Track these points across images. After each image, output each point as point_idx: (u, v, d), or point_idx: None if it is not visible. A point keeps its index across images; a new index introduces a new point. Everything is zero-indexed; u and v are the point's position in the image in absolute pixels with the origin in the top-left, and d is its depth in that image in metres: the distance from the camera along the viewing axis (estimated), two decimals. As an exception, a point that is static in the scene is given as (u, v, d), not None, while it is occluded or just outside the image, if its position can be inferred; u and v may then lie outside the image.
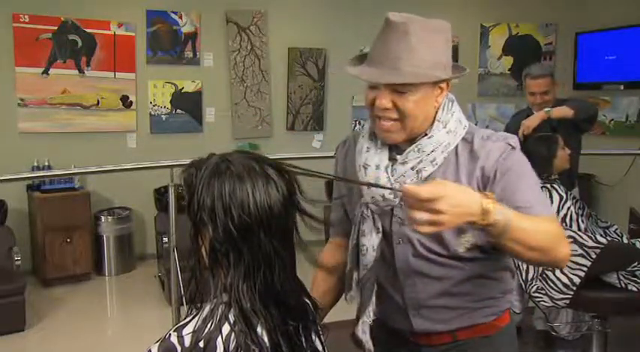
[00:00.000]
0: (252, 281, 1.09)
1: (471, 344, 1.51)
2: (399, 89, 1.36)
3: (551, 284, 2.74)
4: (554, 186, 2.91)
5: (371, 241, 1.48)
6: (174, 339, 1.07)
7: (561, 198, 2.87)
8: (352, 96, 6.11)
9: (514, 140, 1.44)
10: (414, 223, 1.15)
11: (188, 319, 1.10)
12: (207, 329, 1.06)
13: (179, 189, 3.32)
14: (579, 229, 2.82)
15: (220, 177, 1.10)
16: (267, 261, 1.10)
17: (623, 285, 2.69)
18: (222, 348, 1.05)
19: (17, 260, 4.33)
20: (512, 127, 3.38)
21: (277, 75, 6.02)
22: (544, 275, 2.76)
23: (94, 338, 4.05)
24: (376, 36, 1.40)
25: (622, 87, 5.78)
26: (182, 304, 3.38)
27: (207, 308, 1.10)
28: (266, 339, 1.08)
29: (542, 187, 2.90)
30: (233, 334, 1.06)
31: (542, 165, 2.95)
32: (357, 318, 1.54)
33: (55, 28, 5.23)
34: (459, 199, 1.16)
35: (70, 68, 5.30)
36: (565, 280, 2.70)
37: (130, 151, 5.49)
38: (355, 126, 6.16)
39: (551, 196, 2.87)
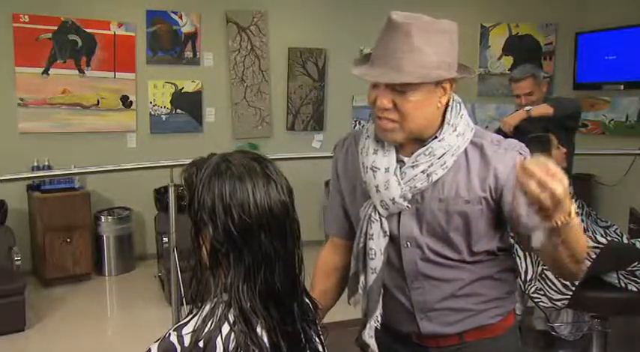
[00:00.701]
0: (253, 281, 1.09)
1: (479, 346, 1.51)
2: (399, 88, 1.35)
3: (550, 285, 2.73)
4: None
5: (379, 244, 1.47)
6: (173, 338, 1.07)
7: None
8: (352, 96, 6.11)
9: (524, 148, 1.44)
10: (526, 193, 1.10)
11: (188, 318, 1.10)
12: (206, 329, 1.06)
13: (179, 189, 3.32)
14: (579, 229, 2.82)
15: (221, 177, 1.10)
16: (267, 261, 1.10)
17: (623, 285, 2.69)
18: (221, 348, 1.05)
19: (17, 260, 4.33)
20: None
21: (277, 75, 6.02)
22: (543, 276, 2.75)
23: (94, 338, 4.05)
24: (379, 35, 1.39)
25: (622, 87, 5.78)
26: (182, 304, 3.38)
27: (207, 308, 1.10)
28: (266, 339, 1.08)
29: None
30: (233, 334, 1.06)
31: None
32: (364, 323, 1.54)
33: (55, 28, 5.22)
34: (567, 195, 1.12)
35: (70, 68, 5.30)
36: (564, 280, 2.70)
37: (129, 151, 5.48)
38: (355, 126, 6.15)
39: (550, 196, 2.86)
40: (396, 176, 1.42)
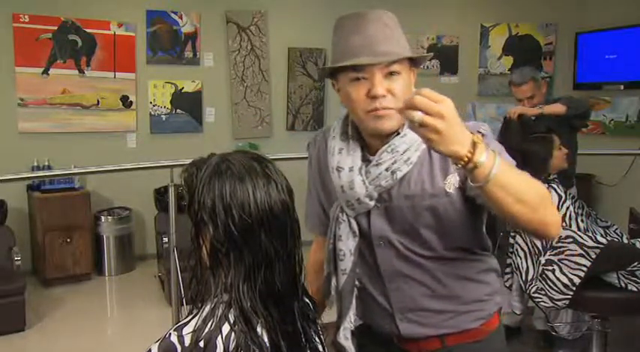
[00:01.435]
0: (253, 281, 1.09)
1: (461, 350, 1.49)
2: (392, 70, 1.35)
3: (551, 285, 2.74)
4: (553, 185, 2.91)
5: (348, 245, 1.45)
6: (174, 338, 1.07)
7: (560, 197, 2.87)
8: (352, 96, 6.10)
9: (484, 127, 1.40)
10: (412, 121, 1.05)
11: (188, 318, 1.10)
12: (207, 329, 1.06)
13: (179, 189, 3.32)
14: (579, 229, 2.82)
15: (221, 177, 1.10)
16: (267, 261, 1.10)
17: (623, 285, 2.69)
18: (222, 348, 1.05)
19: (17, 260, 4.33)
20: (505, 131, 3.40)
21: (277, 75, 6.02)
22: (544, 276, 2.75)
23: (94, 338, 4.05)
24: (342, 34, 1.39)
25: (622, 87, 5.78)
26: (182, 304, 3.38)
27: (207, 308, 1.10)
28: (266, 339, 1.08)
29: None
30: (233, 334, 1.06)
31: (539, 165, 2.95)
32: (338, 325, 1.52)
33: (55, 28, 5.22)
34: (457, 118, 1.06)
35: (70, 68, 5.30)
36: (565, 280, 2.70)
37: (130, 151, 5.48)
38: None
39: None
40: (361, 175, 1.41)
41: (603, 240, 2.70)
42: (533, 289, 2.82)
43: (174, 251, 3.39)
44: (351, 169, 1.42)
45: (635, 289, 2.67)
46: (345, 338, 1.50)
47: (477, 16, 6.35)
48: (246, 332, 1.06)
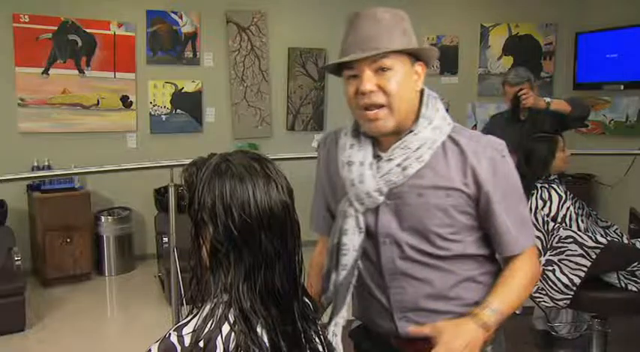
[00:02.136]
0: (253, 281, 1.09)
1: None
2: (381, 66, 1.36)
3: (552, 285, 2.74)
4: (553, 186, 2.91)
5: (353, 240, 1.46)
6: (174, 339, 1.07)
7: (560, 198, 2.87)
8: (352, 96, 6.11)
9: (502, 146, 1.45)
10: None
11: (188, 318, 1.10)
12: (207, 329, 1.06)
13: (179, 189, 3.31)
14: (579, 229, 2.82)
15: (221, 177, 1.10)
16: (267, 261, 1.10)
17: (623, 285, 2.69)
18: (221, 348, 1.05)
19: (17, 260, 4.32)
20: (489, 130, 3.40)
21: (277, 75, 6.02)
22: (544, 276, 2.76)
23: (94, 338, 4.05)
24: (344, 33, 1.42)
25: (622, 87, 5.78)
26: (182, 304, 3.38)
27: (207, 308, 1.10)
28: (266, 339, 1.08)
29: (541, 187, 2.90)
30: (233, 334, 1.06)
31: (541, 165, 2.96)
32: (329, 320, 1.51)
33: (55, 28, 5.22)
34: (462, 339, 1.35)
35: (70, 68, 5.30)
36: (565, 280, 2.70)
37: (130, 151, 5.48)
38: (355, 126, 6.15)
39: (550, 196, 2.87)
40: (372, 170, 1.42)
41: (603, 240, 2.70)
42: (534, 289, 2.82)
43: (174, 251, 3.39)
44: (361, 164, 1.43)
45: (635, 289, 2.67)
46: (333, 334, 1.49)
47: (476, 16, 6.35)
48: (245, 332, 1.06)
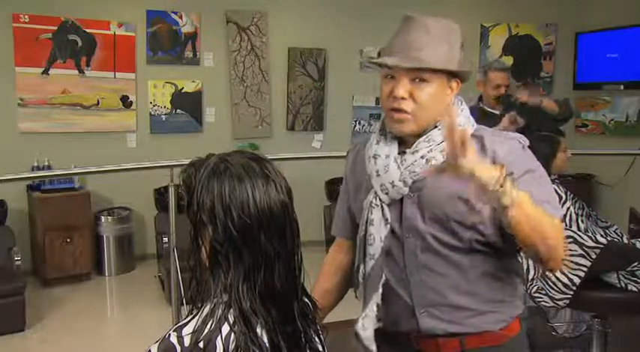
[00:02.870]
0: (252, 281, 1.09)
1: None
2: (419, 77, 1.41)
3: (552, 285, 2.74)
4: (553, 186, 2.91)
5: (379, 231, 1.48)
6: (173, 339, 1.07)
7: (561, 198, 2.87)
8: (352, 96, 6.11)
9: (523, 139, 1.49)
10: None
11: (188, 319, 1.10)
12: (206, 330, 1.06)
13: (179, 189, 3.31)
14: (579, 229, 2.82)
15: (220, 177, 1.10)
16: (267, 262, 1.10)
17: (623, 285, 2.69)
18: (221, 348, 1.05)
19: (17, 260, 4.33)
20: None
21: (277, 75, 6.01)
22: (544, 276, 2.76)
23: (94, 338, 4.05)
24: (395, 33, 1.47)
25: (622, 87, 5.78)
26: (182, 304, 3.38)
27: (207, 309, 1.10)
28: (266, 339, 1.08)
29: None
30: (233, 334, 1.06)
31: (542, 164, 2.95)
32: (362, 313, 1.53)
33: (55, 28, 5.22)
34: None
35: (70, 68, 5.30)
36: (565, 280, 2.70)
37: (130, 151, 5.48)
38: (355, 126, 6.16)
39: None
40: (396, 162, 1.47)
41: (603, 240, 2.70)
42: (534, 289, 2.82)
43: (174, 251, 3.39)
44: (387, 156, 1.48)
45: (635, 289, 2.67)
46: (363, 327, 1.49)
47: (476, 16, 6.35)
48: (245, 332, 1.06)
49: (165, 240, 3.93)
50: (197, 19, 5.71)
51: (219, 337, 1.05)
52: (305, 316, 1.17)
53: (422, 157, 1.44)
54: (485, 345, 1.48)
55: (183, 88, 5.74)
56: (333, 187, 5.50)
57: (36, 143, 5.17)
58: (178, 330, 1.08)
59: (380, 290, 1.49)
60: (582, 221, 2.89)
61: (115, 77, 5.46)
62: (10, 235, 4.60)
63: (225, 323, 1.06)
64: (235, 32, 5.82)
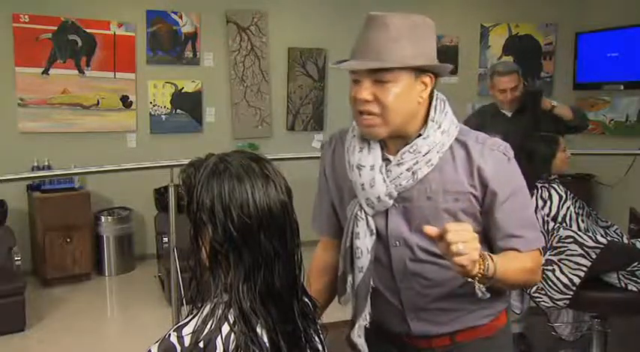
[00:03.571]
0: (252, 281, 1.09)
1: (471, 346, 1.51)
2: (380, 78, 1.35)
3: (551, 285, 2.74)
4: (554, 185, 2.92)
5: (365, 243, 1.46)
6: (173, 339, 1.07)
7: (561, 197, 2.87)
8: (352, 96, 6.11)
9: (508, 149, 1.45)
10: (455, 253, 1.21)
11: (188, 319, 1.10)
12: (207, 330, 1.06)
13: (179, 189, 3.31)
14: (579, 229, 2.82)
15: (219, 177, 1.10)
16: (267, 262, 1.10)
17: (623, 285, 2.69)
18: (221, 348, 1.05)
19: (17, 260, 4.33)
20: (473, 122, 3.36)
21: (277, 75, 6.01)
22: (544, 276, 2.75)
23: (94, 338, 4.05)
24: (358, 34, 1.42)
25: (622, 87, 5.78)
26: (182, 304, 3.38)
27: (207, 309, 1.10)
28: (266, 339, 1.08)
29: (541, 187, 2.90)
30: (233, 334, 1.06)
31: (541, 164, 2.96)
32: (353, 322, 1.53)
33: (55, 28, 5.22)
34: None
35: (70, 68, 5.29)
36: (565, 280, 2.70)
37: (130, 151, 5.48)
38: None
39: (550, 196, 2.87)
40: (382, 174, 1.42)
41: (603, 240, 2.70)
42: (534, 289, 2.82)
43: (174, 251, 3.39)
44: (372, 168, 1.43)
45: (635, 289, 2.67)
46: (358, 336, 1.52)
47: (476, 16, 6.35)
48: (245, 332, 1.06)
49: (165, 240, 3.93)
50: (197, 19, 5.71)
51: (219, 337, 1.05)
52: (305, 316, 1.17)
53: (408, 170, 1.40)
54: (475, 337, 1.51)
55: (183, 88, 5.74)
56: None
57: (36, 143, 5.17)
58: (178, 330, 1.08)
59: (369, 301, 1.50)
60: (582, 220, 2.89)
61: (115, 77, 5.46)
62: (10, 235, 4.60)
63: (226, 323, 1.06)
64: (235, 32, 5.82)
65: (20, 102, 5.15)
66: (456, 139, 1.44)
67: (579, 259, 2.67)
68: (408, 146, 1.41)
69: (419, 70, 1.38)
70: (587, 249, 2.66)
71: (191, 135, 5.75)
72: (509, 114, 3.50)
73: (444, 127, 1.42)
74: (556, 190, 2.89)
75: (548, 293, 2.75)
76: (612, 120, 5.97)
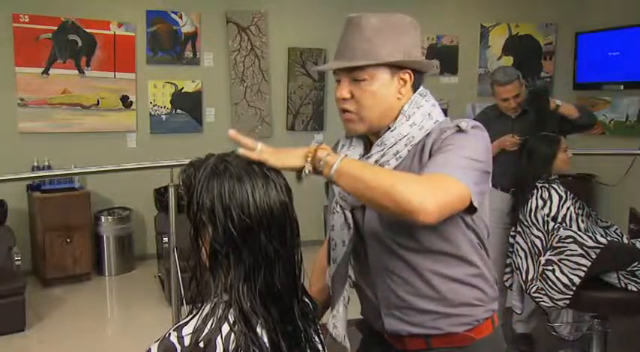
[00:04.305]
0: (253, 281, 1.09)
1: None
2: (356, 77, 1.40)
3: (551, 285, 2.74)
4: (554, 185, 2.92)
5: (341, 236, 1.48)
6: (173, 339, 1.07)
7: (561, 198, 2.87)
8: (352, 96, 6.11)
9: (466, 124, 1.37)
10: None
11: (188, 318, 1.10)
12: (207, 329, 1.06)
13: (179, 189, 3.31)
14: (579, 229, 2.82)
15: (219, 177, 1.10)
16: (267, 262, 1.10)
17: (623, 285, 2.69)
18: (221, 348, 1.05)
19: (17, 260, 4.33)
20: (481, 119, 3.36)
21: (277, 75, 6.01)
22: (544, 276, 2.76)
23: (94, 338, 4.05)
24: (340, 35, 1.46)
25: (622, 87, 5.78)
26: (182, 304, 3.38)
27: (207, 308, 1.10)
28: (266, 339, 1.08)
29: (541, 187, 2.90)
30: (233, 334, 1.06)
31: (542, 164, 2.96)
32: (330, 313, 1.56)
33: (55, 28, 5.22)
34: (277, 149, 1.26)
35: (70, 68, 5.29)
36: (565, 280, 2.70)
37: (130, 151, 5.48)
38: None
39: (550, 196, 2.87)
40: None
41: (603, 240, 2.70)
42: (534, 289, 2.82)
43: (174, 251, 3.39)
44: None
45: (635, 289, 2.67)
46: (333, 326, 1.53)
47: (476, 16, 6.35)
48: (245, 332, 1.06)
49: (165, 240, 3.93)
50: (197, 19, 5.71)
51: (219, 337, 1.05)
52: (305, 316, 1.17)
53: (376, 162, 1.41)
54: (451, 346, 1.46)
55: (183, 88, 5.74)
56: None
57: (36, 143, 5.17)
58: (178, 330, 1.08)
59: (345, 293, 1.52)
60: (582, 221, 2.89)
61: (115, 77, 5.46)
62: (10, 235, 4.60)
63: (225, 323, 1.06)
64: (235, 32, 5.82)
65: (20, 102, 5.15)
66: (430, 132, 1.42)
67: (579, 259, 2.67)
68: (378, 139, 1.44)
69: (396, 67, 1.41)
70: (587, 249, 2.66)
71: (191, 135, 5.75)
72: (513, 116, 3.50)
73: (414, 120, 1.42)
74: (556, 190, 2.89)
75: (548, 293, 2.75)
76: (612, 120, 5.96)
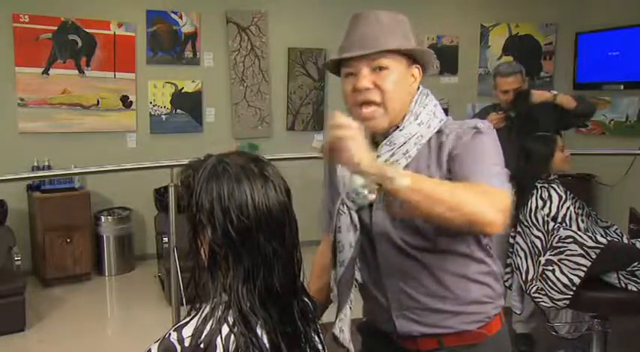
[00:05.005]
0: (252, 282, 1.08)
1: None
2: (378, 65, 1.39)
3: (551, 285, 2.73)
4: (553, 185, 2.91)
5: (348, 238, 1.46)
6: (173, 339, 1.07)
7: (560, 198, 2.87)
8: (352, 96, 6.10)
9: (483, 124, 1.41)
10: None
11: (188, 319, 1.10)
12: (207, 330, 1.06)
13: (179, 189, 3.31)
14: (579, 229, 2.82)
15: (218, 178, 1.09)
16: (266, 263, 1.10)
17: (623, 285, 2.69)
18: (221, 349, 1.05)
19: (17, 260, 4.33)
20: (481, 117, 3.38)
21: (277, 75, 6.01)
22: (544, 276, 2.75)
23: (94, 338, 4.05)
24: (345, 34, 1.46)
25: (622, 87, 5.78)
26: (182, 304, 3.38)
27: (207, 309, 1.09)
28: (265, 340, 1.08)
29: (541, 187, 2.90)
30: (233, 335, 1.06)
31: (539, 164, 2.95)
32: (336, 317, 1.53)
33: (55, 28, 5.22)
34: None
35: (70, 68, 5.29)
36: (565, 280, 2.70)
37: (130, 151, 5.48)
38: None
39: (550, 196, 2.87)
40: None
41: (603, 240, 2.70)
42: (534, 289, 2.82)
43: (174, 251, 3.38)
44: None
45: (635, 289, 2.67)
46: (340, 330, 1.51)
47: (477, 16, 6.35)
48: (245, 333, 1.05)
49: (165, 240, 3.93)
50: (197, 19, 5.71)
51: (219, 337, 1.05)
52: (305, 316, 1.17)
53: (385, 161, 1.40)
54: (464, 344, 1.47)
55: (183, 88, 5.74)
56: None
57: (36, 143, 5.17)
58: (178, 330, 1.08)
59: (351, 296, 1.50)
60: (582, 220, 2.89)
61: (115, 77, 5.46)
62: (10, 235, 4.60)
63: (225, 324, 1.06)
64: (235, 32, 5.82)
65: (20, 102, 5.15)
66: (438, 131, 1.43)
67: (579, 259, 2.67)
68: (386, 139, 1.43)
69: (410, 61, 1.44)
70: (587, 249, 2.66)
71: (191, 135, 5.75)
72: (512, 114, 3.50)
73: (422, 119, 1.43)
74: (556, 190, 2.89)
75: (548, 293, 2.75)
76: (612, 120, 5.96)
